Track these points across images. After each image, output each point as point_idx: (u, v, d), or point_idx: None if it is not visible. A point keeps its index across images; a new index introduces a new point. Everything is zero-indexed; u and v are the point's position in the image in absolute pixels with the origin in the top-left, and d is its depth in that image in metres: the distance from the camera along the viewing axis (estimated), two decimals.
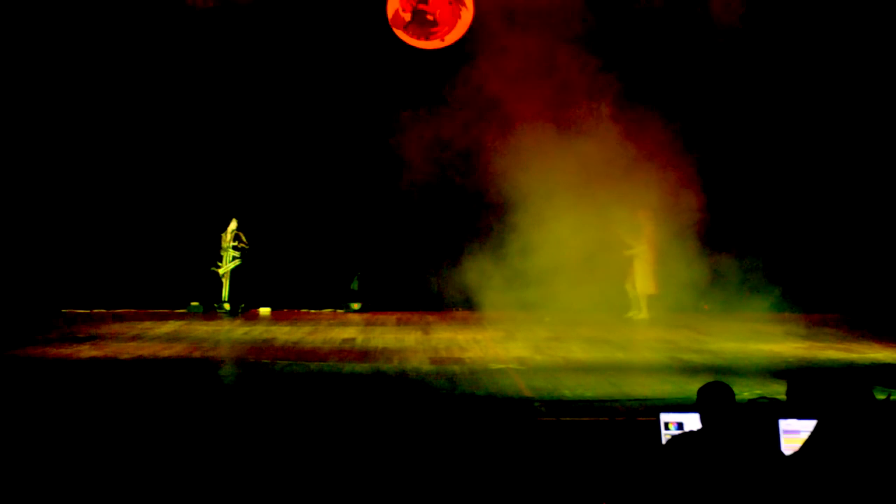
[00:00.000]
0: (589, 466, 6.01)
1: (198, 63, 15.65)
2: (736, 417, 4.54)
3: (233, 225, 15.39)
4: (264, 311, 15.76)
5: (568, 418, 7.11)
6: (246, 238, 15.41)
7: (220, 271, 15.33)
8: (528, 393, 8.17)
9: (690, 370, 9.38)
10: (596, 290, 14.22)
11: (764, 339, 11.86)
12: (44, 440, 6.46)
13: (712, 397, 4.60)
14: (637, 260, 14.46)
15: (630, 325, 13.96)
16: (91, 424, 6.79)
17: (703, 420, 4.60)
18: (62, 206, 15.53)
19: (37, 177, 15.42)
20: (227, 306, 15.31)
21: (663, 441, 5.10)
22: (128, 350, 10.77)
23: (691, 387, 8.07)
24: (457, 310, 15.62)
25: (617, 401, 7.71)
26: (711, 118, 15.45)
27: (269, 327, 13.51)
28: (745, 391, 7.86)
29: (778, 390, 7.44)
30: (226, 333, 12.68)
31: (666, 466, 4.47)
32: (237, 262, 15.38)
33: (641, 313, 14.50)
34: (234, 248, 15.33)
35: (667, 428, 5.17)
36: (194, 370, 9.49)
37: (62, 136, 15.54)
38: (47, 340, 11.43)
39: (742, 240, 15.19)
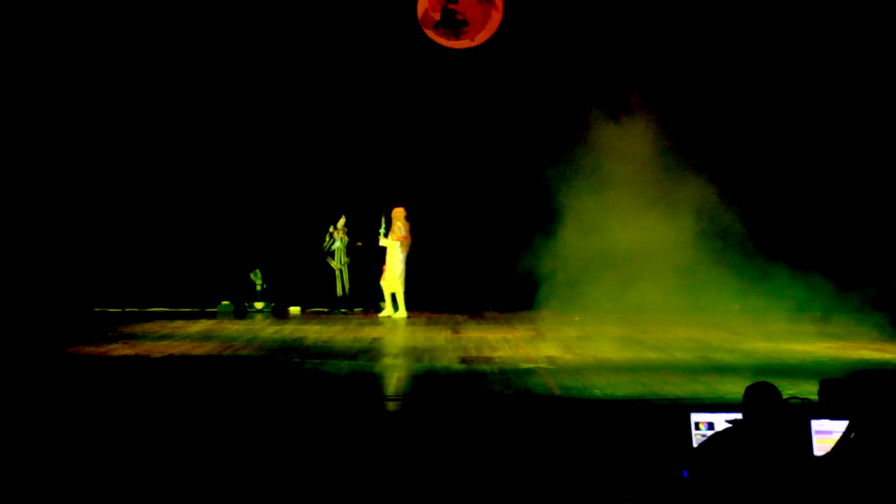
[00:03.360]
0: (618, 466, 5.99)
1: (210, 63, 15.75)
2: (781, 419, 4.47)
3: (342, 221, 15.54)
4: (294, 309, 15.84)
5: (598, 417, 7.10)
6: (346, 233, 15.62)
7: (334, 265, 15.50)
8: (558, 392, 8.17)
9: (721, 370, 9.31)
10: (630, 289, 14.15)
11: (796, 339, 11.76)
12: (77, 434, 6.53)
13: (760, 398, 4.51)
14: (389, 258, 14.64)
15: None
16: (122, 420, 6.87)
17: (747, 421, 4.52)
18: (96, 207, 15.68)
19: (71, 178, 15.57)
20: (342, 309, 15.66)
21: (694, 441, 5.07)
22: (159, 348, 10.86)
23: (722, 387, 8.06)
24: (487, 311, 15.60)
25: (647, 400, 7.68)
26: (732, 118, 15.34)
27: (299, 326, 13.57)
28: None
29: (810, 390, 7.38)
30: (256, 332, 12.74)
31: (700, 463, 4.43)
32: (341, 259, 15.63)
33: (400, 311, 14.70)
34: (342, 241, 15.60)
35: (697, 428, 5.14)
36: (225, 368, 9.55)
37: (97, 138, 15.68)
38: (81, 339, 11.55)
39: (781, 237, 15.02)
